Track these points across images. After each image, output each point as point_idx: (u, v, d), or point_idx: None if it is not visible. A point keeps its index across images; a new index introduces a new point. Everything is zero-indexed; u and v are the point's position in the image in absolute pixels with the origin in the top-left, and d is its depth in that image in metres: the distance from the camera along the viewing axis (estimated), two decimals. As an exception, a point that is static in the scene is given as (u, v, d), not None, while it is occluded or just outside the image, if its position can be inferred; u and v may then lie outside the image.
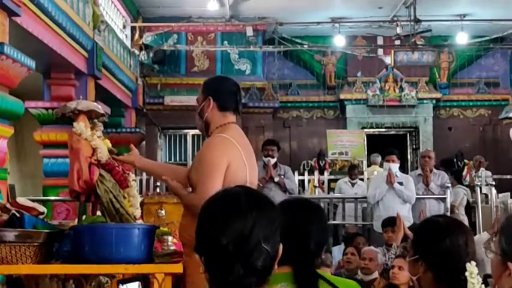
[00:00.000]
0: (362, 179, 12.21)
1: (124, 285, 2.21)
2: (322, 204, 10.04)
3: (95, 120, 4.15)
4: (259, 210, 1.77)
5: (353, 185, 11.17)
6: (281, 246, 1.81)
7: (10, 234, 3.49)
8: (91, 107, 4.07)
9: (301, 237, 2.44)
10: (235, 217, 1.74)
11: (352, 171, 11.59)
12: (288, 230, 1.95)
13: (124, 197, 3.91)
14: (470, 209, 10.62)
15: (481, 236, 6.82)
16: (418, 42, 14.39)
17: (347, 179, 11.52)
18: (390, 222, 6.94)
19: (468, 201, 10.21)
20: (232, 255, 1.70)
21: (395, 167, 8.69)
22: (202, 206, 1.85)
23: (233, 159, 3.61)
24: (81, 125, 3.94)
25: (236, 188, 1.87)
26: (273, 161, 8.77)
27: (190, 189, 3.75)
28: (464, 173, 13.20)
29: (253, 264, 1.72)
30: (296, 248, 2.35)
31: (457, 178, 10.51)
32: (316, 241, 2.48)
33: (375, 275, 6.36)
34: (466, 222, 8.48)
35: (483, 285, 2.46)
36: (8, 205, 3.79)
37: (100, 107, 4.18)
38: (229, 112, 3.80)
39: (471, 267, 2.47)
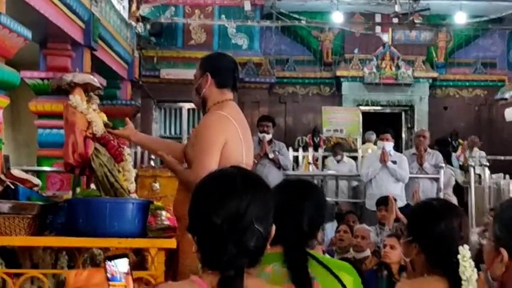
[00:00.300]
0: (352, 157, 12.24)
1: (112, 261, 2.21)
2: (316, 181, 10.08)
3: (91, 93, 4.14)
4: (253, 192, 1.78)
5: (338, 162, 11.13)
6: (274, 227, 1.82)
7: (4, 206, 3.51)
8: (87, 80, 4.05)
9: (295, 217, 2.44)
10: (230, 197, 1.75)
11: (335, 148, 11.51)
12: (281, 209, 1.96)
13: (119, 171, 3.92)
14: (460, 189, 10.68)
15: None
16: (416, 21, 14.34)
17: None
18: (384, 201, 6.98)
19: (456, 181, 10.25)
20: (225, 235, 1.71)
21: (389, 145, 8.71)
22: (196, 186, 1.85)
23: (230, 137, 3.61)
24: (77, 98, 3.93)
25: (231, 168, 1.88)
26: (268, 137, 8.78)
27: (186, 165, 3.75)
28: (458, 152, 13.24)
29: (246, 245, 1.73)
30: (289, 227, 2.36)
31: (446, 158, 10.54)
32: (310, 221, 2.49)
33: (367, 253, 6.40)
34: (455, 201, 8.54)
35: (475, 269, 2.49)
36: (2, 176, 3.79)
37: (96, 80, 4.17)
38: (227, 89, 3.79)
39: (463, 251, 2.49)
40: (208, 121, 3.72)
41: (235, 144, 3.63)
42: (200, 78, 3.80)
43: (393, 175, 8.57)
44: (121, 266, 2.21)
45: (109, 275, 2.19)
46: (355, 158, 12.65)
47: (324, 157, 12.84)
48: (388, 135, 8.77)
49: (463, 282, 2.48)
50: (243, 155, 3.66)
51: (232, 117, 3.68)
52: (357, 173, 10.23)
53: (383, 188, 8.40)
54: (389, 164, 8.58)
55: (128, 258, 2.22)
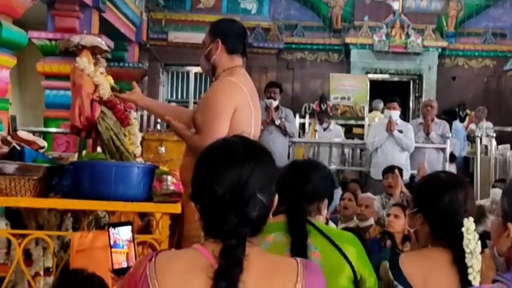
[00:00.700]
0: (359, 126, 12.15)
1: (116, 229, 2.22)
2: (321, 148, 10.07)
3: (99, 56, 4.12)
4: (256, 161, 1.77)
5: (324, 129, 11.08)
6: (276, 196, 1.82)
7: (10, 167, 3.52)
8: (95, 42, 4.03)
9: (299, 189, 2.44)
10: (232, 167, 1.74)
11: (321, 116, 11.35)
12: (287, 181, 1.96)
13: (125, 135, 3.92)
14: (466, 159, 10.66)
15: None
16: (428, -11, 14.20)
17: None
18: (391, 170, 7.00)
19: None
20: (227, 205, 1.71)
21: (395, 114, 8.68)
22: (199, 155, 1.85)
23: (240, 104, 3.60)
24: (84, 61, 3.91)
25: (234, 137, 1.87)
26: (275, 103, 8.76)
27: (194, 130, 3.75)
28: (465, 123, 13.19)
29: (248, 214, 1.72)
30: (293, 199, 2.37)
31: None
32: (314, 193, 2.49)
33: (371, 221, 6.42)
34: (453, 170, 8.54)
35: (479, 242, 2.49)
36: (9, 138, 3.80)
37: (104, 43, 4.14)
38: (236, 55, 3.78)
39: (468, 223, 2.49)
40: (218, 87, 3.70)
41: (244, 112, 3.62)
42: (210, 44, 3.78)
43: (399, 144, 8.55)
44: (124, 233, 2.22)
45: (111, 242, 2.20)
46: (362, 126, 12.61)
47: (309, 124, 12.66)
48: (395, 104, 8.74)
49: (466, 254, 2.49)
50: (252, 121, 3.65)
51: (243, 84, 3.66)
52: (362, 142, 10.19)
53: (388, 156, 8.39)
54: (395, 133, 8.56)
55: (131, 225, 2.23)
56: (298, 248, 2.29)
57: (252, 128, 3.62)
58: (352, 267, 2.32)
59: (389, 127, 8.54)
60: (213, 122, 3.56)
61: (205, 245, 1.74)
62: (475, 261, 2.49)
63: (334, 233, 2.43)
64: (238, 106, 3.59)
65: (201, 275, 1.68)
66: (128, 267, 2.11)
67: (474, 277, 2.47)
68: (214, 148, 1.83)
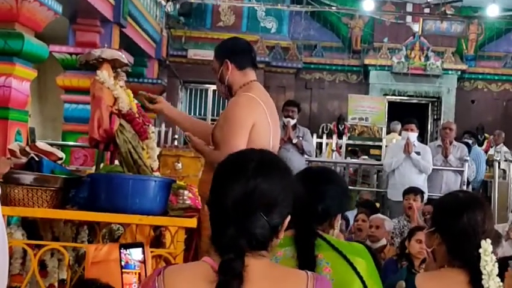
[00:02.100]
0: (377, 147, 12.10)
1: (127, 250, 2.21)
2: (338, 169, 10.05)
3: (119, 70, 4.14)
4: (264, 178, 1.74)
5: None
6: (288, 218, 1.78)
7: (28, 177, 3.53)
8: (115, 56, 4.05)
9: (311, 202, 2.40)
10: (238, 180, 1.73)
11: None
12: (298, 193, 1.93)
13: (143, 149, 3.92)
14: (484, 183, 10.57)
15: None
16: (448, 12, 14.21)
17: None
18: (412, 191, 7.02)
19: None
20: (229, 218, 1.70)
21: (413, 136, 8.63)
22: (218, 163, 1.85)
23: (258, 119, 3.60)
24: (104, 74, 3.93)
25: (252, 151, 1.86)
26: (292, 122, 8.74)
27: (212, 146, 3.75)
28: (483, 147, 13.12)
29: (248, 230, 1.70)
30: (303, 212, 2.33)
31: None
32: (326, 208, 2.46)
33: (383, 242, 6.37)
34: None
35: (496, 264, 2.45)
36: (27, 148, 3.81)
37: (124, 57, 4.16)
38: (248, 69, 3.80)
39: (485, 245, 2.46)
40: (236, 103, 3.70)
41: (263, 126, 3.62)
42: (220, 67, 3.81)
43: (416, 166, 8.50)
44: (136, 254, 2.22)
45: (123, 263, 2.20)
46: (379, 147, 12.58)
47: (348, 145, 12.76)
48: (413, 126, 8.69)
49: (483, 276, 2.45)
50: (270, 136, 3.65)
51: (260, 99, 3.67)
52: (379, 163, 10.17)
53: (405, 178, 8.34)
54: (413, 154, 8.50)
55: (143, 247, 2.22)
56: (306, 263, 2.26)
57: (270, 142, 3.61)
58: (362, 280, 2.30)
59: (407, 149, 8.49)
60: (231, 138, 3.57)
61: (213, 257, 1.74)
62: (491, 284, 2.46)
63: (344, 246, 2.40)
64: (256, 121, 3.59)
65: (209, 287, 1.67)
66: None
67: None
68: (230, 159, 1.84)
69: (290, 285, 1.74)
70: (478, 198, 2.84)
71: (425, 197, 7.87)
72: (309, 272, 1.78)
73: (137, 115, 3.94)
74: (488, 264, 2.46)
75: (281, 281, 1.74)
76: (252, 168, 1.74)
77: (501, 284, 2.49)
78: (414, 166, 8.50)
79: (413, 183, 7.93)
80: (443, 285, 2.51)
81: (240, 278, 1.65)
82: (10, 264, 3.66)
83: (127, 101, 3.94)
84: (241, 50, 3.84)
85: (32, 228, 4.10)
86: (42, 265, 3.98)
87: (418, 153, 8.54)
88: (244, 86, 3.74)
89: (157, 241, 4.29)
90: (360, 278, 2.31)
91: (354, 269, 2.31)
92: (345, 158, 11.81)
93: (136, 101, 4.14)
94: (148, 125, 4.04)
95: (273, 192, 1.74)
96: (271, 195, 1.74)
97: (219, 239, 1.71)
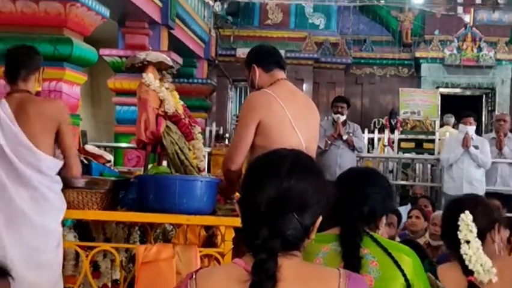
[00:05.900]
0: (430, 140, 11.93)
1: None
2: (391, 164, 9.95)
3: (164, 72, 4.18)
4: (298, 179, 1.73)
5: None
6: (320, 218, 1.78)
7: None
8: (160, 58, 4.09)
9: (356, 203, 2.42)
10: (272, 180, 1.71)
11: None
12: (344, 194, 1.92)
13: (189, 149, 3.96)
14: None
15: None
16: (500, 1, 13.92)
17: None
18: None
19: None
20: (261, 218, 1.69)
21: (471, 129, 8.47)
22: (251, 160, 1.86)
23: (267, 114, 3.61)
24: (150, 76, 3.98)
25: (286, 151, 1.84)
26: (342, 118, 8.68)
27: None
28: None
29: (281, 231, 1.69)
30: (349, 212, 2.35)
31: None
32: (371, 209, 2.45)
33: (447, 240, 6.25)
34: None
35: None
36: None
37: (169, 59, 4.21)
38: (275, 70, 3.85)
39: (464, 216, 2.69)
40: (244, 102, 3.86)
41: (275, 121, 3.62)
42: (249, 74, 3.90)
43: (475, 160, 8.34)
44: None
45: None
46: (432, 141, 12.40)
47: (400, 139, 12.63)
48: (471, 119, 8.54)
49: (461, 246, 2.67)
50: (295, 132, 3.63)
51: (276, 94, 3.67)
52: (435, 157, 10.03)
53: (464, 172, 8.22)
54: (471, 149, 8.35)
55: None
56: (351, 261, 2.26)
57: (297, 136, 3.61)
58: (404, 275, 2.29)
59: (466, 143, 8.35)
60: (235, 136, 3.84)
61: (245, 258, 1.74)
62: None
63: (391, 245, 2.41)
64: (264, 116, 3.61)
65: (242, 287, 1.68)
66: None
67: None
68: (264, 158, 1.83)
69: (322, 283, 1.73)
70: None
71: (482, 190, 7.76)
72: (341, 270, 1.77)
73: (183, 116, 3.97)
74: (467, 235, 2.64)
75: (313, 279, 1.73)
76: (287, 169, 1.74)
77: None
78: (472, 160, 8.37)
79: (472, 177, 7.87)
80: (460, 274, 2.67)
81: (273, 279, 1.65)
82: (63, 265, 3.74)
83: (173, 103, 3.98)
84: (265, 54, 3.95)
85: (85, 230, 4.18)
86: (95, 266, 4.06)
87: (476, 147, 8.39)
88: (271, 85, 3.78)
89: (209, 241, 4.33)
90: (404, 275, 2.30)
91: (399, 266, 2.31)
92: (397, 152, 11.69)
93: (182, 102, 4.19)
94: (194, 126, 4.08)
95: (307, 193, 1.73)
96: (304, 196, 1.73)
97: (251, 239, 1.71)
